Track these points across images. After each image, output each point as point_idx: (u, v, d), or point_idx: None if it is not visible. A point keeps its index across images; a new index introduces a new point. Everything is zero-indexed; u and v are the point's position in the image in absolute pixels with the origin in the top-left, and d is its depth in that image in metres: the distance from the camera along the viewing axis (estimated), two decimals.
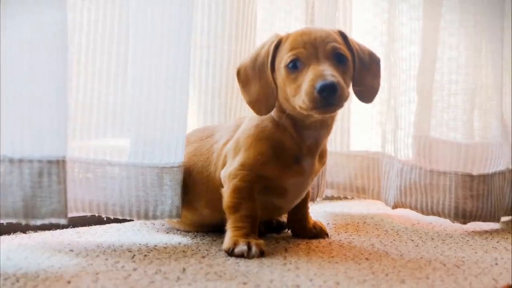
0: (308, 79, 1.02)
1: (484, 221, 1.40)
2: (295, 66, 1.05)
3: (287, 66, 1.06)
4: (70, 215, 1.26)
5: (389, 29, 1.53)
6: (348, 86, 1.07)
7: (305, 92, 1.01)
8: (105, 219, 1.23)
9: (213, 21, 1.36)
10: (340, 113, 1.61)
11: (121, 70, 1.18)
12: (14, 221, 0.99)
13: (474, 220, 1.40)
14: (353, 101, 1.64)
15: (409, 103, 1.48)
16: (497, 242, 1.25)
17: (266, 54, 1.10)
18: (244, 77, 1.12)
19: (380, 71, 1.16)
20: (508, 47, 1.60)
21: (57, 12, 1.00)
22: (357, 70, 1.11)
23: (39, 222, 0.99)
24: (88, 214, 1.17)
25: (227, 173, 1.12)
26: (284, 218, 1.30)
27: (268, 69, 1.09)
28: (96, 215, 1.17)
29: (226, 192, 1.11)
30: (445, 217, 1.41)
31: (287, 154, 1.11)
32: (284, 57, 1.07)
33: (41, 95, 0.99)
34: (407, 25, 1.48)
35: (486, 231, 1.37)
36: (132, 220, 1.31)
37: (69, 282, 0.87)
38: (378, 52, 1.56)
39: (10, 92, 0.97)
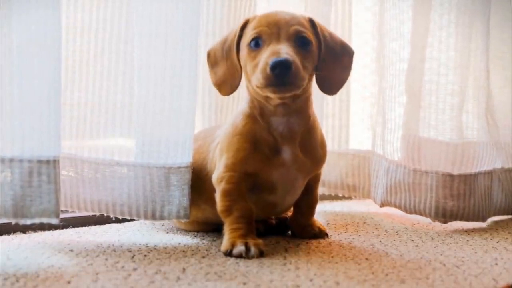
0: (264, 56, 1.03)
1: (466, 220, 1.41)
2: (257, 45, 1.07)
3: (249, 44, 1.07)
4: (71, 215, 1.27)
5: (380, 30, 1.53)
6: (308, 71, 1.07)
7: (260, 70, 1.03)
8: (105, 217, 1.23)
9: (204, 19, 1.36)
10: (337, 112, 1.63)
11: (128, 69, 1.18)
12: (4, 220, 0.99)
13: (455, 219, 1.40)
14: (352, 101, 1.66)
15: (397, 102, 1.48)
16: (497, 242, 1.25)
17: (233, 35, 1.12)
18: (213, 59, 1.15)
19: (352, 64, 1.16)
20: (508, 46, 1.61)
21: (50, 11, 0.99)
22: (324, 59, 1.11)
23: (29, 222, 0.99)
24: (97, 213, 1.18)
25: (215, 177, 1.12)
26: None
27: (234, 50, 1.11)
28: (98, 214, 1.18)
29: (217, 197, 1.12)
30: (426, 216, 1.41)
31: (263, 145, 1.11)
32: (247, 36, 1.08)
33: (33, 95, 0.99)
34: (397, 26, 1.47)
35: (486, 231, 1.37)
36: (133, 220, 1.31)
37: (69, 282, 0.87)
38: (376, 52, 1.58)
39: (1, 92, 0.97)
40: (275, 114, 1.11)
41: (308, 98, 1.14)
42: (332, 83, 1.15)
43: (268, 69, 1.01)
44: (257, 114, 1.12)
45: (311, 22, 1.12)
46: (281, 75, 1.00)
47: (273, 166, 1.11)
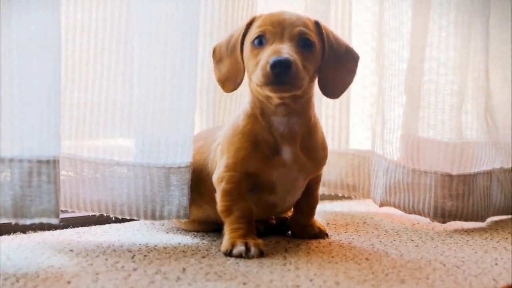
0: (265, 55, 1.04)
1: (465, 220, 1.41)
2: (260, 43, 1.07)
3: (252, 42, 1.08)
4: (71, 215, 1.27)
5: (380, 30, 1.53)
6: (309, 72, 1.08)
7: (260, 67, 1.03)
8: (105, 217, 1.23)
9: (202, 19, 1.35)
10: (337, 112, 1.63)
11: (128, 69, 1.19)
12: (4, 220, 0.99)
13: (454, 219, 1.40)
14: (352, 102, 1.66)
15: (397, 102, 1.48)
16: (497, 242, 1.25)
17: (238, 33, 1.13)
18: (218, 56, 1.16)
19: (356, 69, 1.17)
20: (508, 46, 1.61)
21: (50, 11, 0.99)
22: (327, 62, 1.12)
23: (28, 222, 0.99)
24: (97, 213, 1.18)
25: (216, 177, 1.12)
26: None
27: (238, 47, 1.12)
28: (97, 214, 1.18)
29: (217, 197, 1.12)
30: (425, 216, 1.42)
31: (263, 145, 1.11)
32: (251, 34, 1.09)
33: (33, 95, 0.99)
34: (397, 26, 1.47)
35: (486, 231, 1.37)
36: (133, 220, 1.31)
37: (69, 282, 0.87)
38: (375, 52, 1.58)
39: (1, 92, 0.97)
40: (276, 114, 1.11)
41: (310, 100, 1.14)
42: (334, 87, 1.15)
43: (268, 68, 1.01)
44: (258, 114, 1.12)
45: (317, 24, 1.12)
46: (280, 74, 1.01)
47: (274, 166, 1.11)
